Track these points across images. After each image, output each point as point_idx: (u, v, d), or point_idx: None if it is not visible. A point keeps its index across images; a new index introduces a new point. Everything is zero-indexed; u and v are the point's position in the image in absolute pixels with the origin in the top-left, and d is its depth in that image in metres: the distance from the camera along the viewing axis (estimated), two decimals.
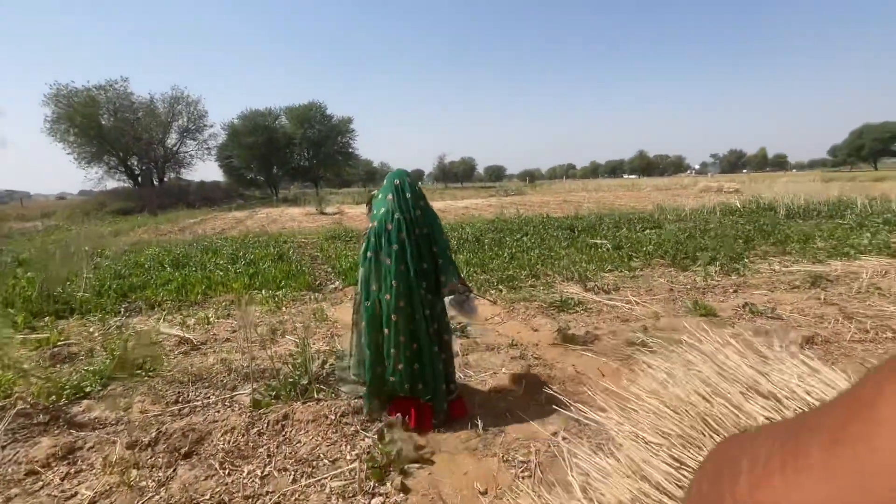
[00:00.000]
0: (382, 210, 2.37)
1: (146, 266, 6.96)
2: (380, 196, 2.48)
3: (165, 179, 33.38)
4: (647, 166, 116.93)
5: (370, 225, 2.44)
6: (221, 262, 7.40)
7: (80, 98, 28.18)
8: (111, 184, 31.71)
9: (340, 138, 37.57)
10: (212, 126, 35.04)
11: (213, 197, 31.47)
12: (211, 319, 4.85)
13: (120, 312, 5.24)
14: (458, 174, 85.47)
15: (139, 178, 31.72)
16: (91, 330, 4.65)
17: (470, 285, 3.12)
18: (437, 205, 24.23)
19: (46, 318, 4.96)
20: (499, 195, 35.44)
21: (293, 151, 36.96)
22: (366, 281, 2.41)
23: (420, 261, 2.33)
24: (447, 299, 2.57)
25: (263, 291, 5.80)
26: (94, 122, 28.61)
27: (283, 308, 5.21)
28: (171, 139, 32.79)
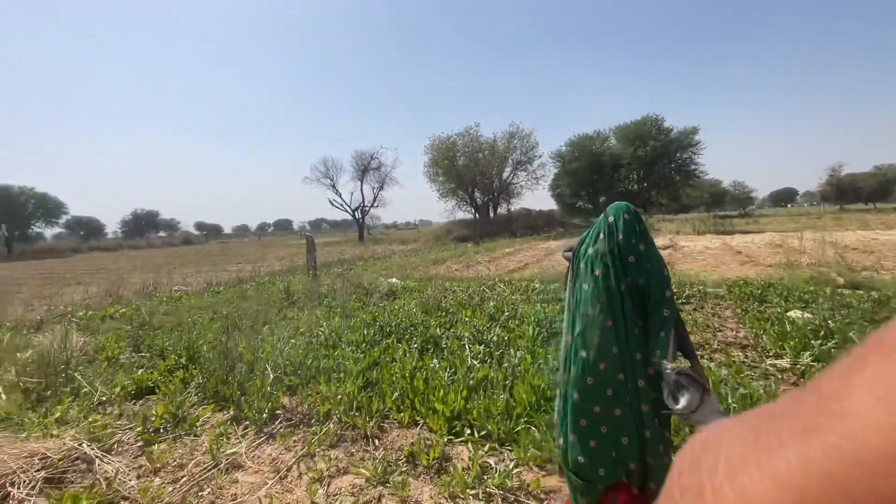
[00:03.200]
0: (591, 251, 1.85)
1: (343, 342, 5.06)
2: (592, 233, 1.89)
3: (500, 210, 36.60)
4: None
5: (573, 269, 1.92)
6: (426, 341, 4.76)
7: (445, 144, 34.39)
8: (459, 214, 37.40)
9: (680, 154, 31.03)
10: (540, 156, 36.11)
11: (535, 225, 31.87)
12: None
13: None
14: (861, 191, 58.51)
15: (478, 209, 35.96)
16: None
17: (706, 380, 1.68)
18: (846, 238, 15.01)
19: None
20: None
21: (620, 174, 33.26)
22: (571, 335, 1.85)
23: (634, 319, 1.73)
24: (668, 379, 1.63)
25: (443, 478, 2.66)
26: (452, 163, 34.28)
27: None
28: (506, 172, 35.68)
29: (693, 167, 31.09)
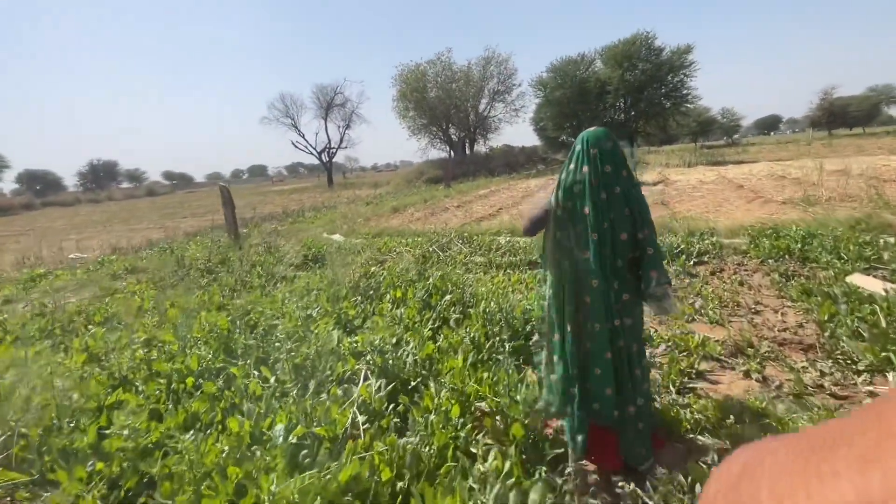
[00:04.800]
0: (577, 188, 1.74)
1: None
2: (571, 167, 1.78)
3: (476, 147, 33.90)
4: None
5: (557, 206, 1.80)
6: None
7: (415, 74, 30.88)
8: (433, 153, 34.57)
9: (672, 77, 28.22)
10: (519, 85, 32.92)
11: (514, 163, 29.57)
12: None
13: None
14: (849, 116, 56.14)
15: (453, 147, 33.24)
16: None
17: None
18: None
19: None
20: None
21: (606, 102, 30.46)
22: (563, 280, 1.82)
23: (615, 254, 1.72)
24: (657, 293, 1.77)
25: None
26: (423, 96, 31.01)
27: None
28: (482, 104, 32.58)
29: (686, 92, 28.45)
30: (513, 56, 32.46)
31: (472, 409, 2.28)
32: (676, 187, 13.37)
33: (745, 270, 4.47)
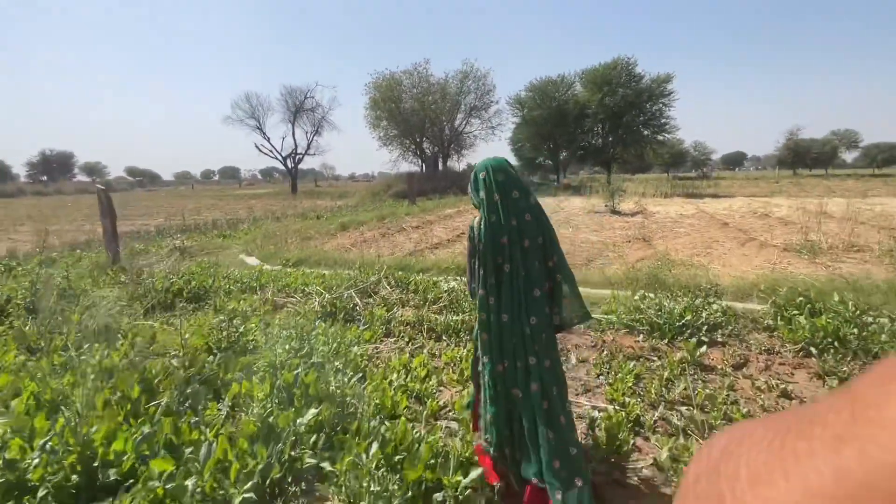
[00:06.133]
0: (493, 217, 1.64)
1: None
2: (482, 196, 1.68)
3: (450, 163, 32.66)
4: None
5: (479, 240, 1.68)
6: None
7: (389, 83, 29.49)
8: (404, 166, 33.05)
9: (651, 105, 27.82)
10: (497, 102, 31.87)
11: None
12: None
13: None
14: (811, 158, 58.31)
15: (426, 161, 31.84)
16: None
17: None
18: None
19: None
20: None
21: (584, 126, 29.76)
22: (486, 319, 1.69)
23: (530, 286, 1.64)
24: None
25: None
26: (397, 106, 29.61)
27: None
28: (458, 119, 31.36)
29: (664, 121, 28.14)
30: (491, 72, 31.68)
31: None
32: (656, 220, 12.28)
33: (782, 364, 3.06)
